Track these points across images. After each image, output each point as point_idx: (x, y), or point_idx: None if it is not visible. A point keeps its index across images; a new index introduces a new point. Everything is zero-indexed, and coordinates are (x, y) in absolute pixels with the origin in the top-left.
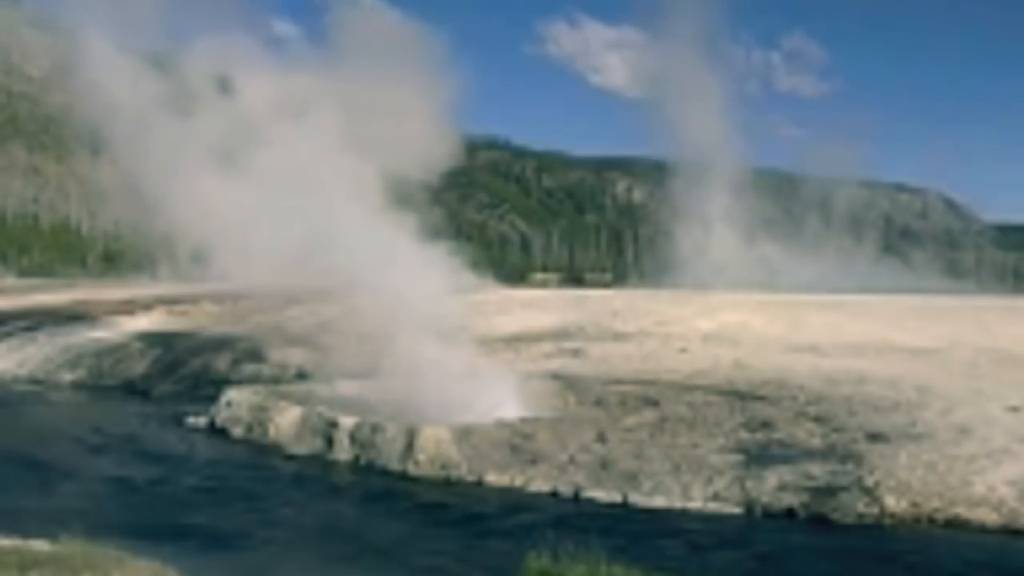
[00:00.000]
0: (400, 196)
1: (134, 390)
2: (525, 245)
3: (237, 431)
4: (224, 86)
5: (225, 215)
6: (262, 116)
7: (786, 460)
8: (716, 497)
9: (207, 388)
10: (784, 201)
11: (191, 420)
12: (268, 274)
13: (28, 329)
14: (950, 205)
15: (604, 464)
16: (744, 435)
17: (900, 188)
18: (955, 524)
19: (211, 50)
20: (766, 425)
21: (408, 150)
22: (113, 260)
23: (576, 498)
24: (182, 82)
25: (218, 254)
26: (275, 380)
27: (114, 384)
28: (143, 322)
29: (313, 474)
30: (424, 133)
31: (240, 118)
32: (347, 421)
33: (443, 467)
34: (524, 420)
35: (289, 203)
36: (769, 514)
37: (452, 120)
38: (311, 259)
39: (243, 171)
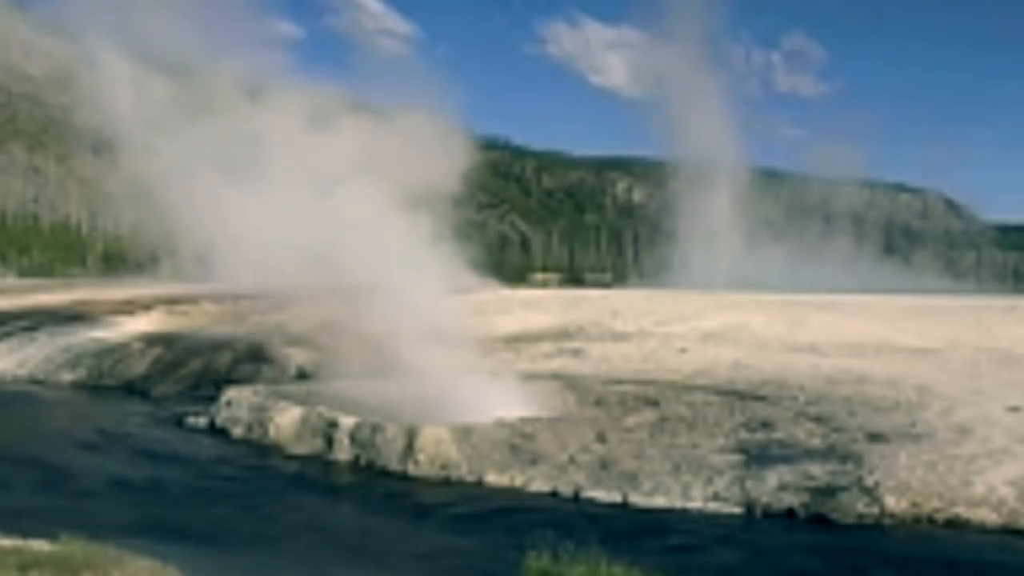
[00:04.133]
0: (420, 202)
1: (134, 390)
2: (525, 245)
3: (237, 431)
4: (252, 95)
5: (232, 219)
6: (275, 124)
7: (786, 460)
8: (716, 497)
9: (207, 388)
10: (784, 201)
11: (191, 420)
12: (272, 276)
13: (28, 329)
14: (950, 205)
15: (604, 464)
16: (744, 435)
17: (900, 188)
18: (955, 524)
19: (232, 60)
20: (766, 425)
21: (422, 161)
22: (113, 260)
23: (576, 498)
24: (197, 87)
25: (223, 256)
26: (275, 380)
27: (114, 384)
28: (143, 322)
29: (313, 474)
30: (437, 143)
31: (249, 125)
32: (347, 421)
33: (443, 467)
34: (524, 420)
35: (297, 208)
36: (769, 514)
37: (462, 126)
38: (317, 261)
39: (251, 176)
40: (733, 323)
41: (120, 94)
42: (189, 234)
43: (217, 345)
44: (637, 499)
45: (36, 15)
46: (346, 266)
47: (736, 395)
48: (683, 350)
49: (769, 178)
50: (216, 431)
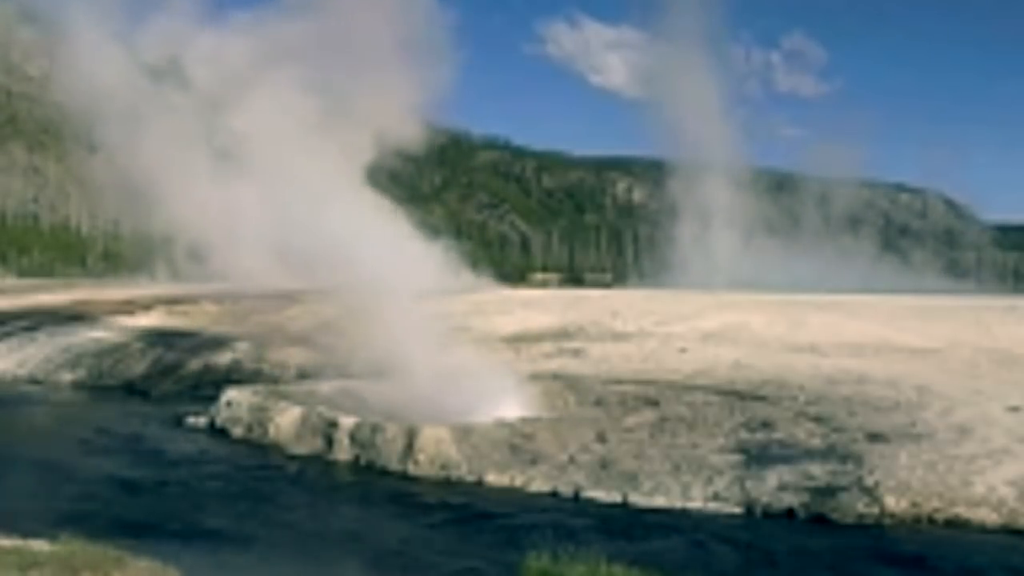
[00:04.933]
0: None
1: (134, 390)
2: (525, 245)
3: (237, 431)
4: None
5: (216, 210)
6: (230, 96)
7: (786, 460)
8: (716, 497)
9: (207, 388)
10: (784, 201)
11: (191, 420)
12: (261, 270)
13: (28, 329)
14: (950, 205)
15: (604, 464)
16: (744, 435)
17: (900, 188)
18: (955, 524)
19: (165, 32)
20: (766, 425)
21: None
22: (113, 260)
23: (576, 498)
24: (173, 74)
25: (212, 251)
26: (275, 380)
27: (114, 384)
28: (143, 322)
29: (313, 474)
30: (391, 109)
31: (216, 105)
32: (347, 421)
33: (443, 467)
34: (524, 420)
35: (276, 195)
36: (769, 514)
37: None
38: (301, 254)
39: (230, 164)
40: (733, 323)
41: (100, 82)
42: (179, 231)
43: (217, 345)
44: (637, 499)
45: (34, 13)
46: (343, 265)
47: (736, 395)
48: (683, 350)
49: (769, 178)
50: (216, 431)
